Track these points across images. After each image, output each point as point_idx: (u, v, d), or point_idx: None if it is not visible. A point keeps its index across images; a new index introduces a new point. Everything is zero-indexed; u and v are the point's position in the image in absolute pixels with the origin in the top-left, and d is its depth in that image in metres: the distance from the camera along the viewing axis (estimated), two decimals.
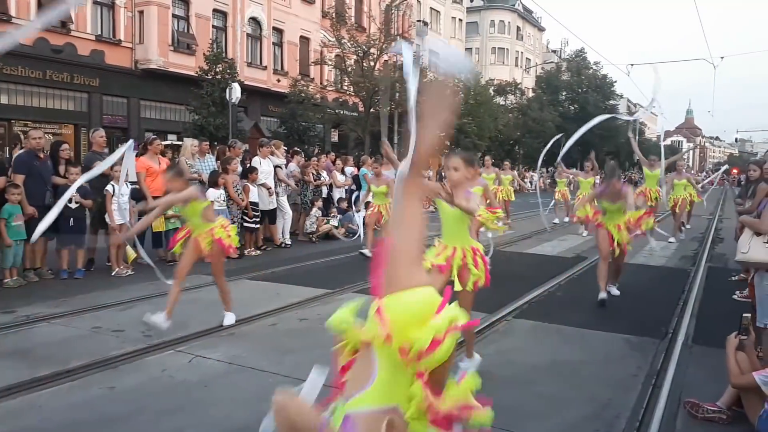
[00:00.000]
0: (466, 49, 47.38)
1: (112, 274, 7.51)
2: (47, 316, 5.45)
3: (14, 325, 5.17)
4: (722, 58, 29.31)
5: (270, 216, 10.37)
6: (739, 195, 8.73)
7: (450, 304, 1.86)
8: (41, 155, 7.27)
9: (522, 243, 11.51)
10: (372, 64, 26.51)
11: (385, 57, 27.70)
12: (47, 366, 4.09)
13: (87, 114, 20.66)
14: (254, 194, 9.76)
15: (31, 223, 6.88)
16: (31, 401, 3.59)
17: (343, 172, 13.37)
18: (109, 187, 7.56)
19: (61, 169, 7.57)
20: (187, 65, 22.32)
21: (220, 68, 21.14)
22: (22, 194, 6.84)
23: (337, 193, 12.78)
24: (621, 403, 3.79)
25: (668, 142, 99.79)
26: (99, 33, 20.85)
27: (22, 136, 12.59)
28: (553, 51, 64.83)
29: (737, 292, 6.98)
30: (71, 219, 7.33)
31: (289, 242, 10.64)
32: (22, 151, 7.68)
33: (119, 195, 7.62)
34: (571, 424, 3.49)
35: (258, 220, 9.83)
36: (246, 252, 9.45)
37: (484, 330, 5.36)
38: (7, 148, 15.19)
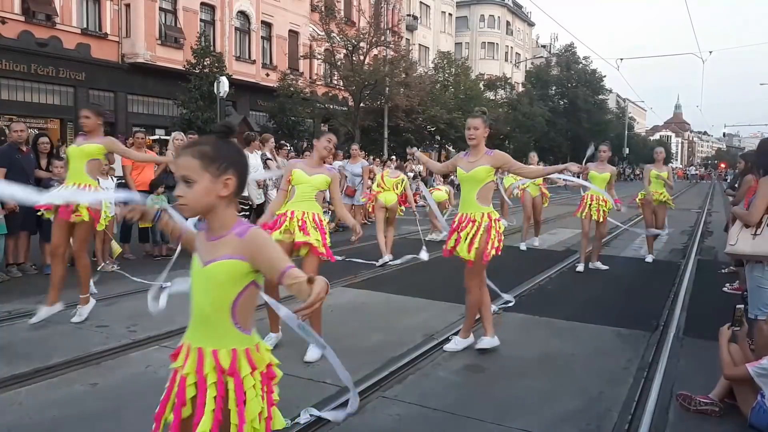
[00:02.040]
0: (456, 43, 47.34)
1: (98, 269, 7.39)
2: (29, 311, 5.31)
3: None
4: (711, 52, 29.51)
5: (258, 210, 10.28)
6: (729, 186, 8.71)
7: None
8: (24, 148, 7.13)
9: (512, 237, 11.47)
10: (362, 58, 26.40)
11: (375, 51, 27.60)
12: (28, 362, 4.00)
13: (73, 108, 20.37)
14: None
15: (12, 218, 6.76)
16: (11, 398, 3.49)
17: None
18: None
19: (44, 162, 7.44)
20: (175, 59, 22.11)
21: (208, 62, 20.95)
22: None
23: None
24: (612, 396, 3.76)
25: (657, 136, 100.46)
26: (85, 26, 20.60)
27: (6, 131, 12.40)
28: (542, 46, 64.95)
29: (727, 284, 6.98)
30: None
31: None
32: (4, 144, 7.52)
33: (104, 189, 7.49)
34: (562, 418, 3.44)
35: (247, 214, 9.73)
36: None
37: (475, 323, 5.30)
38: None
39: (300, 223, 4.40)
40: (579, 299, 6.42)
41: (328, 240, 4.52)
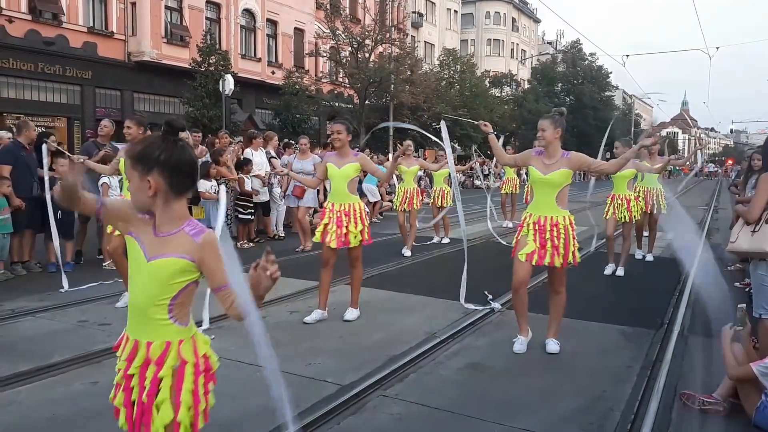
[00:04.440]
0: (462, 40, 47.18)
1: (104, 266, 7.42)
2: (33, 309, 5.35)
3: None
4: (717, 48, 29.22)
5: (264, 208, 10.29)
6: (733, 183, 8.58)
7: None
8: (27, 146, 7.16)
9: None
10: (367, 55, 26.36)
11: (380, 48, 27.55)
12: (29, 361, 4.00)
13: (80, 107, 20.51)
14: (248, 186, 9.72)
15: (17, 216, 6.79)
16: (11, 397, 3.50)
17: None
18: (105, 179, 7.45)
19: (48, 161, 7.43)
20: (181, 57, 22.13)
21: (214, 60, 20.97)
22: (10, 186, 6.73)
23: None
24: (615, 394, 3.72)
25: (663, 133, 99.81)
26: (91, 25, 20.65)
27: (14, 128, 12.46)
28: (548, 42, 64.64)
29: (736, 283, 6.94)
30: (59, 212, 7.21)
31: (283, 234, 10.55)
32: (10, 142, 7.55)
33: (113, 187, 7.54)
34: (565, 417, 3.42)
35: (252, 212, 9.77)
36: (239, 245, 9.38)
37: (476, 322, 5.29)
38: None
39: (338, 215, 5.10)
40: (583, 297, 6.37)
41: (366, 222, 5.21)
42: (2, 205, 6.64)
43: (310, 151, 10.33)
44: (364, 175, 13.00)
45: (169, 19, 22.66)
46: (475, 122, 5.20)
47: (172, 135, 1.84)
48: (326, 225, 5.15)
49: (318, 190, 9.91)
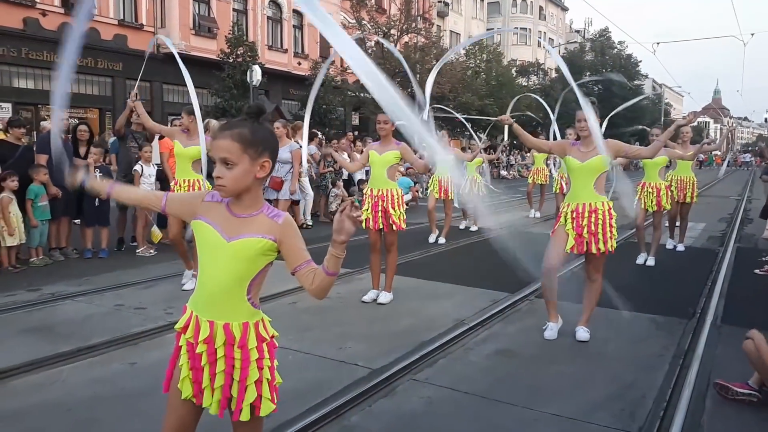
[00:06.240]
0: (488, 29, 46.70)
1: (137, 252, 7.58)
2: (71, 294, 5.51)
3: (39, 303, 5.24)
4: (752, 34, 28.39)
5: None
6: (764, 172, 8.38)
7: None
8: (63, 136, 7.32)
9: (547, 223, 11.35)
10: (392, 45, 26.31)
11: (406, 38, 27.45)
12: (70, 342, 4.13)
13: (111, 98, 20.86)
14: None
15: (54, 204, 6.97)
16: (54, 376, 3.62)
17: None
18: (137, 167, 7.60)
19: (83, 150, 7.61)
20: (209, 49, 22.35)
21: (241, 51, 21.13)
22: (47, 174, 6.91)
23: (358, 174, 12.71)
24: (647, 383, 3.70)
25: (695, 122, 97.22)
26: (122, 17, 20.97)
27: (47, 119, 12.80)
28: (576, 31, 63.61)
29: (756, 270, 6.83)
30: (96, 199, 7.40)
31: (311, 223, 10.65)
32: (45, 132, 7.76)
33: (147, 176, 7.69)
34: (595, 404, 3.41)
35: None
36: None
37: (506, 309, 5.30)
38: (34, 132, 15.39)
39: (375, 200, 5.32)
40: (614, 286, 6.29)
41: (403, 209, 5.41)
42: (40, 193, 6.82)
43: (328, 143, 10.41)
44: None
45: (197, 11, 22.88)
46: (494, 119, 5.31)
47: (258, 119, 1.89)
48: (366, 210, 5.39)
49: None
